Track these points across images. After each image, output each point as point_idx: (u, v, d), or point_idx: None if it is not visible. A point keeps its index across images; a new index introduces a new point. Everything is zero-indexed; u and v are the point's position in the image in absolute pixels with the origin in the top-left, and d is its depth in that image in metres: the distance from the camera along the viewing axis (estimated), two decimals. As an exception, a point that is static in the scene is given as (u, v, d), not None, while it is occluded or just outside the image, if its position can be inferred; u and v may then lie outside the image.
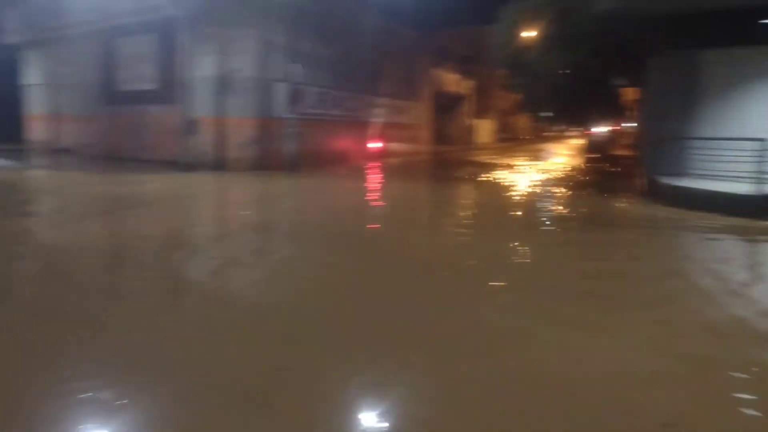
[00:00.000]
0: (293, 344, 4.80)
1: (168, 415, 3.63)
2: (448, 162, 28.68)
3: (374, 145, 28.46)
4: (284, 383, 4.06)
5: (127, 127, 23.52)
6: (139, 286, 6.57)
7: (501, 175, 21.57)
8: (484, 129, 45.34)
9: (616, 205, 14.43)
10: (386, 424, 3.59)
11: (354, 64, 25.79)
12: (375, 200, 14.99)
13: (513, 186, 18.02)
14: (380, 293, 6.39)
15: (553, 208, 13.67)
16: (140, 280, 6.85)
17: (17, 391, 3.88)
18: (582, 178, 22.10)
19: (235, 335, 5.00)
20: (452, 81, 39.46)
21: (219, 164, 20.16)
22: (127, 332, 4.99)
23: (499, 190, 17.39)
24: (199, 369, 4.27)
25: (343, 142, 25.35)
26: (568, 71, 26.28)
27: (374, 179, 19.92)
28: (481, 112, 44.13)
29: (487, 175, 21.71)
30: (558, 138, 70.28)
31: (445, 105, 40.18)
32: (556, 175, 21.94)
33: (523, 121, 62.36)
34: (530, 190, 17.12)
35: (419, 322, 5.41)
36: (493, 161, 28.97)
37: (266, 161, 20.72)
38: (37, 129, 28.10)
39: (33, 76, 28.12)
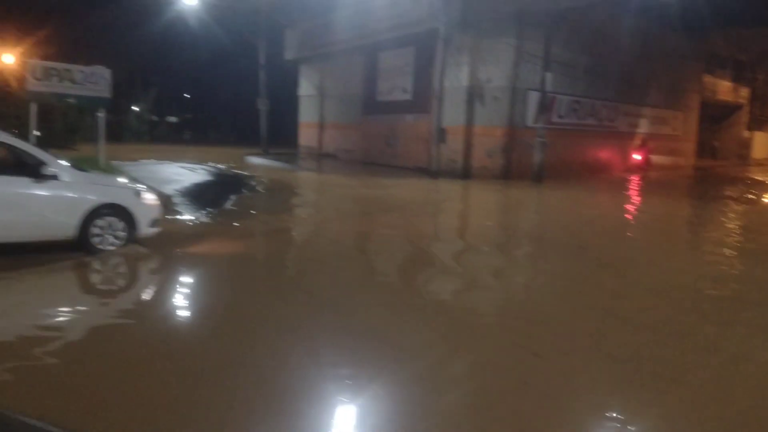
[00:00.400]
0: (543, 359, 4.43)
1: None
2: (715, 178, 25.52)
3: (635, 156, 26.57)
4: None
5: (382, 135, 25.00)
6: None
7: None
8: (761, 143, 39.54)
9: None
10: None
11: (612, 72, 24.25)
12: (628, 217, 13.77)
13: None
14: (631, 324, 5.67)
15: None
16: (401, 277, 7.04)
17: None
18: None
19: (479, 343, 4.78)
20: (724, 89, 35.10)
21: (466, 172, 20.36)
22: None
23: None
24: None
25: (596, 153, 23.98)
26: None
27: (628, 193, 18.42)
28: (758, 124, 38.58)
29: (764, 196, 18.77)
30: None
31: (715, 115, 35.92)
32: None
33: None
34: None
35: (676, 358, 4.65)
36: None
37: (512, 170, 20.41)
38: (306, 135, 31.35)
39: (305, 88, 31.43)
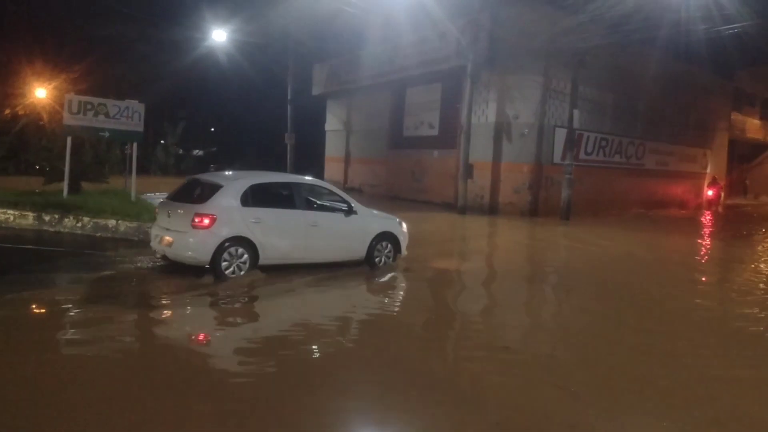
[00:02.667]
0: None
1: None
2: (743, 217, 25.04)
3: (708, 192, 28.61)
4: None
5: (408, 170, 25.04)
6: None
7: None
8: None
9: None
10: None
11: (639, 109, 24.17)
12: (656, 255, 13.54)
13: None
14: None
15: None
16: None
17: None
18: None
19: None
20: (753, 127, 34.75)
21: (493, 208, 20.26)
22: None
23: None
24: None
25: (623, 191, 23.74)
26: None
27: (653, 230, 18.15)
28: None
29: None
30: None
31: (745, 153, 35.50)
32: None
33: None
34: None
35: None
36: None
37: (539, 207, 20.27)
38: (332, 169, 31.54)
39: (332, 122, 31.74)
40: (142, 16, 28.81)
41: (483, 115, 20.75)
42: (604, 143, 22.99)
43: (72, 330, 6.15)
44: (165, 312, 6.99)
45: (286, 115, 30.10)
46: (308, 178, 9.65)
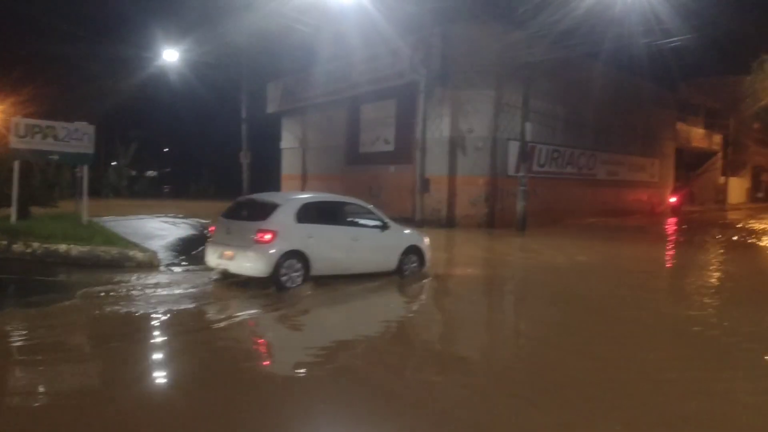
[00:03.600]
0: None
1: None
2: (693, 224, 25.81)
3: (671, 200, 29.98)
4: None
5: (365, 185, 25.01)
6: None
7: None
8: (736, 187, 40.42)
9: None
10: None
11: (589, 121, 24.80)
12: (616, 262, 13.83)
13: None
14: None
15: None
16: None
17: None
18: None
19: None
20: (698, 136, 36.06)
21: (450, 221, 20.40)
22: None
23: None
24: None
25: (576, 200, 24.24)
26: None
27: (606, 238, 18.56)
28: (732, 170, 39.52)
29: (747, 239, 19.02)
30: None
31: (691, 162, 36.74)
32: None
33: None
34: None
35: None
36: (753, 225, 25.20)
37: (496, 218, 20.50)
38: (289, 187, 31.27)
39: (287, 140, 31.57)
40: (91, 36, 28.30)
41: (438, 130, 20.94)
42: (556, 155, 23.46)
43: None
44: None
45: (240, 134, 29.85)
46: (349, 198, 10.82)
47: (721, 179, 38.55)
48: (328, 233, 9.31)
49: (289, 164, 31.35)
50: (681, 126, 33.44)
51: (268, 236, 8.54)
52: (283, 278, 8.62)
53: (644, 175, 29.87)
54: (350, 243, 9.47)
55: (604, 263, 13.93)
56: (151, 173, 46.92)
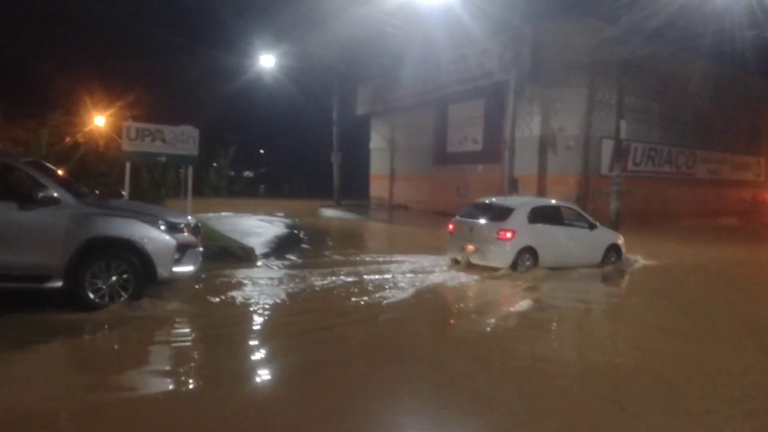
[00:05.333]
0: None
1: None
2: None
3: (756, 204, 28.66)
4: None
5: (452, 185, 25.18)
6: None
7: None
8: None
9: None
10: None
11: (687, 118, 23.77)
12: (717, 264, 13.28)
13: None
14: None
15: None
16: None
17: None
18: None
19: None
20: (810, 132, 33.58)
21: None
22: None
23: None
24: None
25: (674, 200, 23.30)
26: None
27: (711, 241, 17.71)
28: None
29: None
30: None
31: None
32: None
33: None
34: None
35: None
36: None
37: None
38: (377, 187, 31.93)
39: (376, 141, 32.20)
40: (194, 45, 29.98)
41: (527, 129, 20.78)
42: (652, 153, 22.68)
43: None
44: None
45: (331, 135, 30.73)
46: (565, 203, 12.49)
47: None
48: (551, 232, 10.91)
49: (378, 164, 31.97)
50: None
51: (509, 234, 10.28)
52: (518, 266, 10.32)
53: (749, 174, 28.25)
54: (567, 240, 11.11)
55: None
56: (248, 174, 49.03)
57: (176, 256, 7.18)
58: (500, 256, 10.37)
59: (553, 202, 12.50)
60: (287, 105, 36.39)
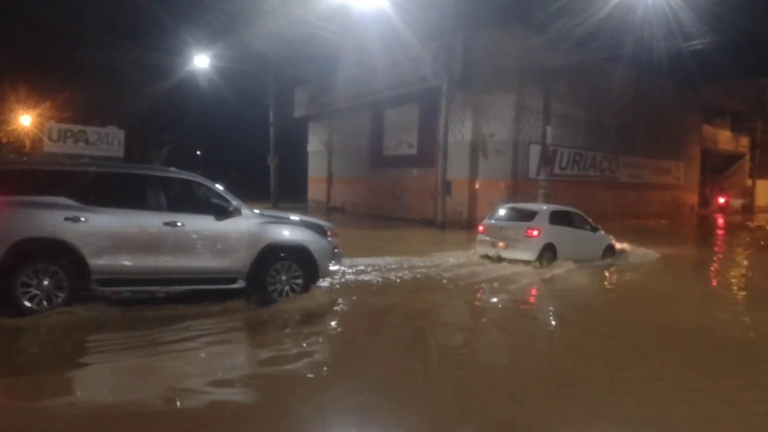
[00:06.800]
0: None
1: None
2: (712, 226, 25.72)
3: (720, 200, 33.49)
4: None
5: (388, 189, 25.55)
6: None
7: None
8: (764, 190, 39.88)
9: None
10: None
11: (611, 124, 24.91)
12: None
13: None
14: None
15: None
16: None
17: None
18: None
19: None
20: (724, 138, 35.73)
21: (471, 223, 20.71)
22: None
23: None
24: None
25: (600, 203, 24.34)
26: None
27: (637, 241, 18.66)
28: (759, 172, 39.00)
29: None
30: None
31: (717, 164, 36.43)
32: None
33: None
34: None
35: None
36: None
37: (516, 222, 20.78)
38: (315, 189, 32.02)
39: (314, 144, 32.26)
40: (125, 43, 29.28)
41: (459, 134, 21.34)
42: (578, 158, 23.66)
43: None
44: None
45: (269, 138, 30.58)
46: (575, 209, 14.05)
47: (749, 182, 38.10)
48: (566, 232, 12.80)
49: (316, 167, 32.06)
50: (707, 128, 33.21)
51: (536, 233, 12.13)
52: (542, 260, 12.00)
53: (668, 177, 29.80)
54: (577, 239, 13.03)
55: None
56: (183, 176, 48.04)
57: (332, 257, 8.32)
58: (528, 251, 12.10)
59: (566, 208, 14.17)
60: (224, 106, 35.96)
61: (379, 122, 26.62)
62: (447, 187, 20.67)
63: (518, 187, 21.02)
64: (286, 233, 8.00)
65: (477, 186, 21.24)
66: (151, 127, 40.51)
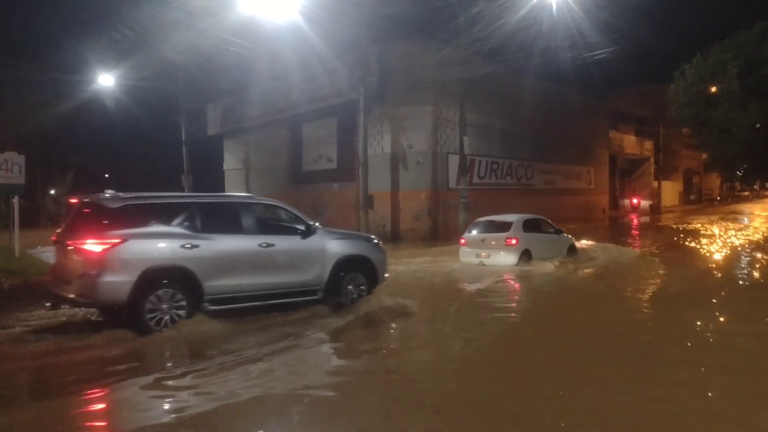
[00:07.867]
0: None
1: None
2: (627, 227, 26.86)
3: (633, 201, 35.94)
4: None
5: (309, 204, 25.03)
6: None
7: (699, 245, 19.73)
8: (670, 191, 42.18)
9: None
10: None
11: (524, 132, 25.57)
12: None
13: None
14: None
15: None
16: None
17: None
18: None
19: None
20: (630, 143, 37.54)
21: (395, 236, 20.67)
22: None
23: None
24: None
25: (518, 210, 24.83)
26: (758, 126, 23.98)
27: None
28: (664, 174, 41.23)
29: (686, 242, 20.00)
30: (756, 198, 63.43)
31: (624, 168, 38.17)
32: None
33: (712, 182, 57.36)
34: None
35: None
36: (687, 226, 26.29)
37: (439, 232, 20.89)
38: (233, 209, 31.08)
39: (230, 161, 31.41)
40: (23, 62, 27.54)
41: (379, 147, 21.28)
42: (495, 167, 24.11)
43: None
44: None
45: (182, 157, 29.49)
46: (543, 217, 15.55)
47: (655, 183, 40.17)
48: (537, 237, 14.24)
49: (233, 186, 31.19)
50: (613, 134, 34.78)
51: (514, 241, 13.56)
52: (520, 263, 13.31)
53: (580, 182, 30.91)
54: (546, 242, 14.48)
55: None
56: (91, 200, 45.71)
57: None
58: (509, 257, 13.48)
59: (536, 216, 15.37)
60: (134, 126, 34.57)
61: (297, 137, 26.22)
62: (369, 200, 20.49)
63: (439, 198, 21.16)
64: (353, 247, 8.89)
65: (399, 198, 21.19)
66: (55, 151, 38.39)
